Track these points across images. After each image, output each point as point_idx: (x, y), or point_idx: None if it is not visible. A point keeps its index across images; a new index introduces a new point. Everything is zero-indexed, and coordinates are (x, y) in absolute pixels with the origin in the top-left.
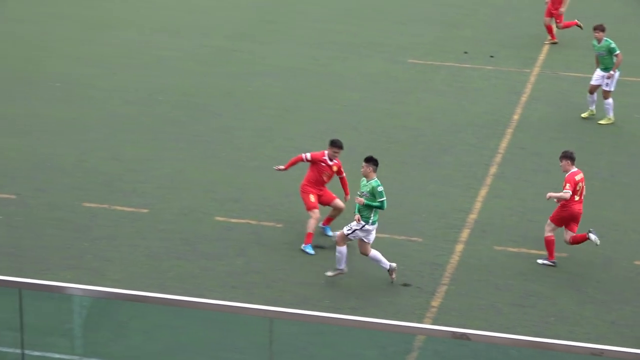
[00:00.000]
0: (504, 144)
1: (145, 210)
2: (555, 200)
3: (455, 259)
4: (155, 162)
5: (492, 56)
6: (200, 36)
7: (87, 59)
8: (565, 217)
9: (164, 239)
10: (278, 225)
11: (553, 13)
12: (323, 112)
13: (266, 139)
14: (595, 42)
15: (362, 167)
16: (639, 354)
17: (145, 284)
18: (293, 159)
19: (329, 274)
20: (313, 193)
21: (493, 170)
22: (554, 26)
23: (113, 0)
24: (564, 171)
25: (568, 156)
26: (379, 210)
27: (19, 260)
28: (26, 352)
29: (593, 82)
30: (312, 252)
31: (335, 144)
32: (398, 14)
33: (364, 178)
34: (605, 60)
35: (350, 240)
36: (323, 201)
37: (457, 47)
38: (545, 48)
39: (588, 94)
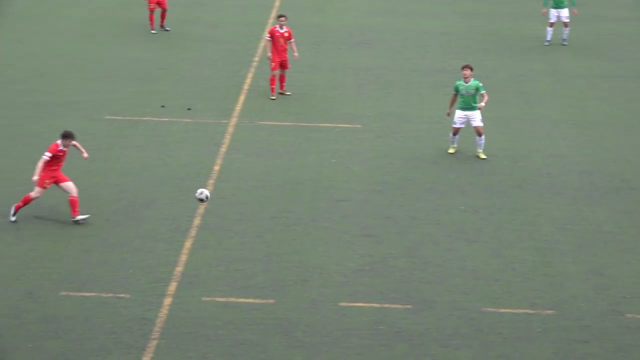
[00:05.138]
0: None
1: None
2: None
3: (164, 312)
4: None
5: (189, 109)
6: None
7: None
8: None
9: None
10: None
11: None
12: (21, 173)
13: None
14: (462, 82)
15: None
16: None
17: None
18: (40, 165)
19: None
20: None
21: (197, 221)
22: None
23: None
24: None
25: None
26: None
27: None
28: None
29: (457, 126)
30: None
31: (66, 136)
32: (91, 71)
33: None
34: (472, 99)
35: None
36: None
37: (153, 102)
38: (242, 98)
39: (451, 135)
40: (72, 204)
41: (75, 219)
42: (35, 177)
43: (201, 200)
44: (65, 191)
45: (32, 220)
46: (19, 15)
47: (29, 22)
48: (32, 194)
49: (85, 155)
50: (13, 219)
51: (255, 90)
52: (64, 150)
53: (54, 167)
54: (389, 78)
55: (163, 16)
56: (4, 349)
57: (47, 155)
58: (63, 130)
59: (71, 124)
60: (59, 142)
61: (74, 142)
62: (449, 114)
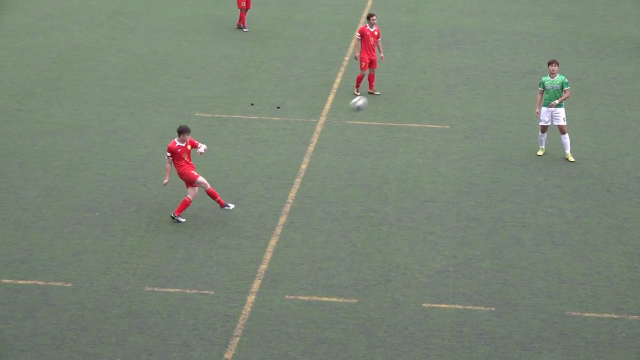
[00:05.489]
0: (292, 193)
1: None
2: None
3: (247, 310)
4: None
5: (278, 107)
6: None
7: None
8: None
9: None
10: (67, 285)
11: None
12: (110, 169)
13: (53, 198)
14: (547, 78)
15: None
16: None
17: None
18: (167, 167)
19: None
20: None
21: (282, 220)
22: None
23: None
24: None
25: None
26: None
27: None
28: None
29: (544, 123)
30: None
31: (181, 131)
32: (183, 68)
33: None
34: (558, 94)
35: None
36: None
37: (243, 100)
38: (331, 97)
39: (540, 134)
40: (184, 204)
41: (175, 217)
42: (166, 181)
43: (358, 108)
44: (187, 189)
45: (119, 216)
46: (114, 12)
47: (123, 19)
48: (189, 196)
49: (202, 149)
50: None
51: (344, 89)
52: (183, 146)
53: (187, 163)
54: (479, 79)
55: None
56: (3, 351)
57: (167, 155)
58: (178, 126)
59: (161, 120)
60: (175, 139)
61: (194, 141)
62: (538, 114)
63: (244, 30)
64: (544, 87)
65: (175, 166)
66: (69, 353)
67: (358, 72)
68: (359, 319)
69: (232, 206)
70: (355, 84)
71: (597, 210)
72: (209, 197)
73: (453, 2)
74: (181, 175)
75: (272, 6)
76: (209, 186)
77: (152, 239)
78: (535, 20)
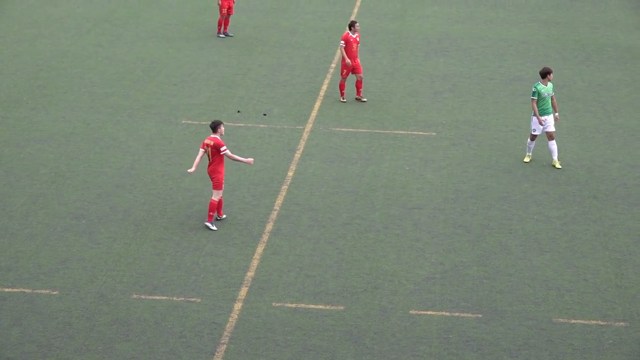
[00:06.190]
0: (279, 200)
1: None
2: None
3: (234, 317)
4: None
5: (265, 114)
6: None
7: None
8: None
9: None
10: (54, 293)
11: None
12: (97, 176)
13: (39, 206)
14: (543, 86)
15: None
16: None
17: None
18: (235, 157)
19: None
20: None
21: (269, 227)
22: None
23: None
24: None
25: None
26: None
27: None
28: None
29: (538, 132)
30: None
31: (216, 126)
32: (169, 75)
33: None
34: (550, 102)
35: None
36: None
37: (230, 107)
38: (317, 104)
39: (529, 141)
40: (213, 206)
41: (216, 219)
42: (249, 160)
43: None
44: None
45: (106, 224)
46: (101, 20)
47: (110, 27)
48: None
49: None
50: (214, 227)
51: (331, 96)
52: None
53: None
54: (465, 86)
55: (226, 22)
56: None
57: (223, 149)
58: (211, 123)
59: (148, 127)
60: (215, 136)
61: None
62: (543, 121)
63: (229, 35)
64: (538, 96)
65: (217, 163)
66: None
67: (340, 80)
68: (346, 326)
69: (215, 228)
70: (340, 91)
71: (584, 217)
72: (207, 206)
73: (440, 9)
74: (218, 174)
75: (258, 13)
76: (217, 200)
77: (138, 247)
78: (521, 27)
